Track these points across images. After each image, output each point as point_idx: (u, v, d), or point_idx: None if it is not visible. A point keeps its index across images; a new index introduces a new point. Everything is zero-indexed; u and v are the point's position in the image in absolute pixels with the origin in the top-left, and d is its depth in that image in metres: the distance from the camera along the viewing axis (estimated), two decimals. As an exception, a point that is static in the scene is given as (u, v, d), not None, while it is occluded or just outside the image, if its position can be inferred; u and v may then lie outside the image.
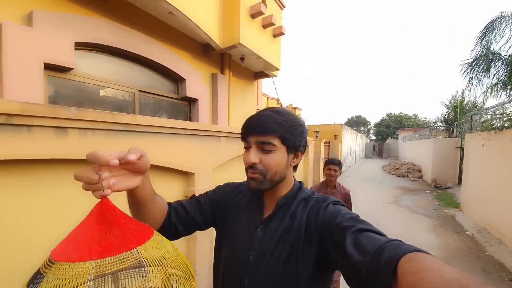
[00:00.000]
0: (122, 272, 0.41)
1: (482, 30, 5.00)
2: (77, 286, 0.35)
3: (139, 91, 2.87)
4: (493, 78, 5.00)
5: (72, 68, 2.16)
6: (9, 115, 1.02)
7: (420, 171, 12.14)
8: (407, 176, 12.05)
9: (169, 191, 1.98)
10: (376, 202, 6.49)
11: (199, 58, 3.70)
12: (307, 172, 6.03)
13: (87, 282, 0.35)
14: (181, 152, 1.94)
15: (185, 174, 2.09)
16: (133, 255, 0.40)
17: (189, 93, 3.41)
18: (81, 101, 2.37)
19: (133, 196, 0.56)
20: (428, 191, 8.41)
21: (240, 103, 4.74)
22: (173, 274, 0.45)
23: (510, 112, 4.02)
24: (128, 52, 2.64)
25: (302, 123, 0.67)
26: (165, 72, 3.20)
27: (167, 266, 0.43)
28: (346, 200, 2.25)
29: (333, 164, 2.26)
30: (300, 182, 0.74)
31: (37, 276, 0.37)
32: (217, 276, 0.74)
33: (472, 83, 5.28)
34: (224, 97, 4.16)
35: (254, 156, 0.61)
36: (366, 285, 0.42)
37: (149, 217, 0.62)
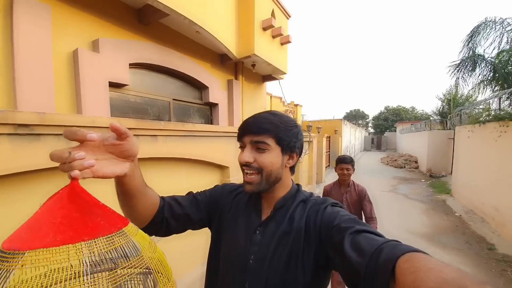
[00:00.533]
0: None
1: (469, 34, 5.53)
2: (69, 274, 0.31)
3: (173, 99, 3.37)
4: (479, 76, 5.57)
5: (127, 85, 2.66)
6: (130, 128, 1.54)
7: (416, 162, 12.75)
8: (404, 167, 12.65)
9: (209, 180, 2.50)
10: (375, 191, 7.05)
11: (217, 67, 4.19)
12: (311, 165, 6.57)
13: (81, 264, 0.32)
14: (220, 150, 2.47)
15: (222, 168, 2.61)
16: (123, 235, 0.39)
17: (211, 99, 3.91)
18: (131, 110, 2.87)
19: (121, 185, 0.54)
20: (423, 180, 9.02)
21: (251, 105, 5.23)
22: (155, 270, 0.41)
23: (491, 108, 4.55)
24: (164, 67, 3.13)
25: (297, 125, 0.68)
26: (192, 82, 3.69)
27: (150, 258, 0.40)
28: (363, 196, 2.11)
29: (344, 162, 2.10)
30: (298, 184, 0.74)
31: None
32: (212, 278, 0.73)
33: (459, 83, 5.85)
34: (238, 101, 4.66)
35: (249, 155, 0.62)
36: (365, 286, 0.42)
37: (138, 210, 0.60)
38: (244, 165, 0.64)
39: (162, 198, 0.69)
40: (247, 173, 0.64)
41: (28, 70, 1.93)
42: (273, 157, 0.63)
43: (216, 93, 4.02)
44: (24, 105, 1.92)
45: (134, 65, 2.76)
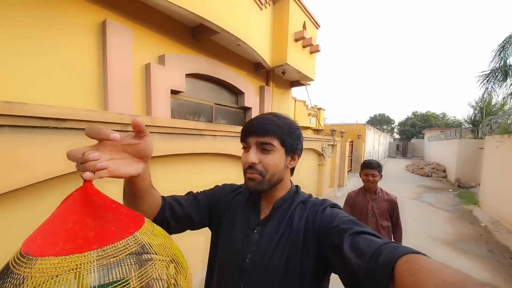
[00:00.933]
0: (126, 260, 0.36)
1: (500, 44, 5.45)
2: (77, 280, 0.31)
3: (215, 104, 3.88)
4: (510, 86, 5.46)
5: (183, 92, 3.19)
6: (200, 130, 2.01)
7: (444, 171, 12.27)
8: (431, 175, 12.23)
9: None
10: (398, 197, 7.06)
11: (252, 74, 4.65)
12: (334, 169, 6.79)
13: (89, 274, 0.32)
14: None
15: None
16: (135, 240, 0.38)
17: (246, 103, 4.37)
18: (183, 113, 3.40)
19: (131, 185, 0.54)
20: (451, 190, 8.76)
21: (279, 109, 5.63)
22: (172, 263, 0.41)
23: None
24: (210, 76, 3.63)
25: (299, 127, 0.70)
26: (231, 88, 4.18)
27: (167, 254, 0.41)
28: (392, 207, 1.98)
29: (370, 168, 1.93)
30: (296, 186, 0.75)
31: (8, 275, 0.32)
32: (211, 278, 0.74)
33: (487, 93, 5.75)
34: (268, 105, 5.08)
35: (254, 156, 0.63)
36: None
37: (143, 211, 0.59)
38: (248, 167, 0.64)
39: (163, 198, 0.69)
40: (248, 173, 0.65)
41: (116, 79, 2.48)
42: (277, 158, 0.64)
43: (251, 98, 4.48)
44: (113, 107, 2.48)
45: (188, 75, 3.29)
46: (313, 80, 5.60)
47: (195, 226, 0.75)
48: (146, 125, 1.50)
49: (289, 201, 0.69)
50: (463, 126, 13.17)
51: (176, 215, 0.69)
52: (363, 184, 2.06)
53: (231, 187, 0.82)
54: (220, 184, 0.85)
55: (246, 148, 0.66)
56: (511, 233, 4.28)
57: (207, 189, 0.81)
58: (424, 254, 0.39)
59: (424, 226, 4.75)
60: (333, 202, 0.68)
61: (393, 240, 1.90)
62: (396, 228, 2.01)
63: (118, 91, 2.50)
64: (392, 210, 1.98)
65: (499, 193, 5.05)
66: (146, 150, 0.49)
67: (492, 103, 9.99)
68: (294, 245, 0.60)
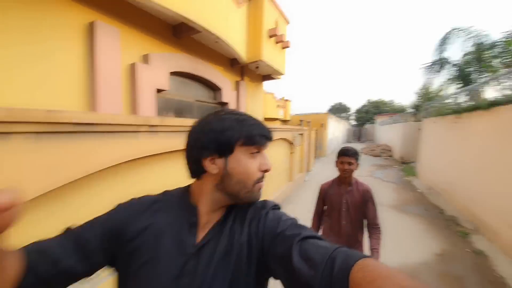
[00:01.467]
0: None
1: (440, 39, 7.01)
2: None
3: (196, 100, 4.06)
4: (445, 76, 7.12)
5: (167, 90, 3.32)
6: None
7: (390, 150, 14.27)
8: (381, 156, 14.12)
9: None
10: (356, 177, 8.18)
11: (228, 70, 4.89)
12: (303, 155, 7.50)
13: None
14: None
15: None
16: None
17: (224, 99, 4.63)
18: (166, 110, 3.54)
19: None
20: (396, 166, 10.41)
21: (252, 102, 5.99)
22: None
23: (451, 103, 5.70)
24: (191, 73, 3.79)
25: None
26: (209, 84, 4.38)
27: None
28: (367, 198, 1.76)
29: (346, 155, 1.74)
30: None
31: None
32: None
33: (427, 82, 7.36)
34: (243, 99, 5.39)
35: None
36: None
37: None
38: (262, 176, 0.58)
39: (23, 256, 0.46)
40: (262, 181, 0.58)
41: (105, 79, 2.54)
42: None
43: (228, 94, 4.74)
44: (102, 107, 2.55)
45: (171, 73, 3.42)
46: (283, 74, 6.06)
47: (82, 276, 0.54)
48: (156, 125, 1.74)
49: (229, 208, 0.59)
50: (407, 111, 15.29)
51: (44, 277, 0.48)
52: (338, 173, 1.86)
53: (141, 204, 0.60)
54: (124, 202, 0.61)
55: (259, 153, 0.57)
56: (440, 195, 5.49)
57: (99, 215, 0.58)
58: (369, 256, 0.41)
59: (378, 196, 5.65)
60: (274, 203, 0.62)
61: (372, 246, 1.68)
62: (373, 230, 1.74)
63: (106, 91, 2.57)
64: (365, 201, 1.76)
65: (432, 165, 6.33)
66: (9, 222, 0.36)
67: (431, 90, 11.88)
68: (238, 263, 0.52)
